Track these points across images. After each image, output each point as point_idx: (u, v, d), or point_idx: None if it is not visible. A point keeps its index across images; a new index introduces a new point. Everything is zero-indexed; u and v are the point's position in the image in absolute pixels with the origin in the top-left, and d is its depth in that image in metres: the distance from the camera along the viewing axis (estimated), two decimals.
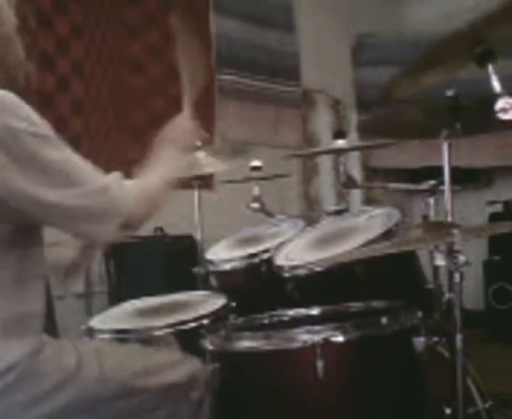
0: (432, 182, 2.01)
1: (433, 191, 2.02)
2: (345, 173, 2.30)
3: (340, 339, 1.52)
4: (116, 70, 4.04)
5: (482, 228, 2.37)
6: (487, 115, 1.51)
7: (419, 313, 1.64)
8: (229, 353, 1.63)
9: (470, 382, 1.87)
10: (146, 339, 1.89)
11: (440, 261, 1.58)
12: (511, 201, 5.13)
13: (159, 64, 4.33)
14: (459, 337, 1.60)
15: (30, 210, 1.40)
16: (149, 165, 1.62)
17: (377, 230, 1.95)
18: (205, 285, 2.43)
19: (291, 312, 1.91)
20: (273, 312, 1.93)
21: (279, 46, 5.14)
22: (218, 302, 2.10)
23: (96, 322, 2.11)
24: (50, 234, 1.53)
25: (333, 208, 2.52)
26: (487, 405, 1.89)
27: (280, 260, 2.08)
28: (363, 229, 2.08)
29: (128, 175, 1.55)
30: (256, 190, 2.69)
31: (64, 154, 1.44)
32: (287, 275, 2.02)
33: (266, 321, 1.89)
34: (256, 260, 2.27)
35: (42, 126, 1.43)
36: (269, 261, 2.16)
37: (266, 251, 2.25)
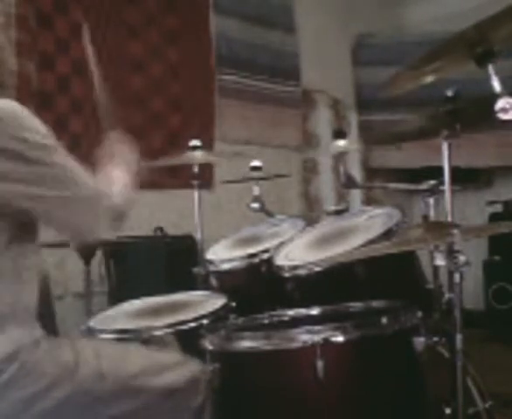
0: (432, 181, 2.01)
1: (433, 191, 2.02)
2: (345, 173, 2.30)
3: (340, 339, 1.52)
4: (116, 70, 4.04)
5: (482, 228, 2.37)
6: (488, 115, 1.51)
7: (419, 313, 1.64)
8: (229, 353, 1.63)
9: (470, 382, 1.87)
10: (146, 339, 1.89)
11: (440, 261, 1.58)
12: (511, 201, 5.13)
13: (159, 64, 4.33)
14: (459, 337, 1.60)
15: (26, 205, 1.46)
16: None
17: (377, 230, 1.95)
18: (205, 285, 2.43)
19: (291, 312, 1.91)
20: (273, 312, 1.93)
21: (279, 46, 5.14)
22: (218, 302, 2.10)
23: (96, 322, 2.11)
24: (50, 234, 1.54)
25: (333, 208, 2.52)
26: (487, 405, 1.89)
27: (280, 260, 2.08)
28: (363, 229, 2.08)
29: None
30: (256, 190, 2.69)
31: (62, 161, 1.51)
32: (287, 275, 2.02)
33: (266, 321, 1.89)
34: (256, 260, 2.27)
35: (42, 134, 1.48)
36: (269, 261, 2.16)
37: (266, 251, 2.25)
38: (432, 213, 2.03)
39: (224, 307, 2.07)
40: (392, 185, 4.39)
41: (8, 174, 1.40)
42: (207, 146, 3.00)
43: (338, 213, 2.43)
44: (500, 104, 1.46)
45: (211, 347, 1.66)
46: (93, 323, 2.10)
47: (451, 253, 1.56)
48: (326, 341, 1.50)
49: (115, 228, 1.63)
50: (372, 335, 1.56)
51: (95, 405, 1.48)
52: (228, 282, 2.37)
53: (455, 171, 1.82)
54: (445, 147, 1.82)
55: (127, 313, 2.21)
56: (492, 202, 5.13)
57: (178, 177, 3.60)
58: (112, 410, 1.50)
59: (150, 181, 1.99)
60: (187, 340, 1.86)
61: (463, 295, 1.59)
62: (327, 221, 2.38)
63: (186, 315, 2.03)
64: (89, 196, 1.54)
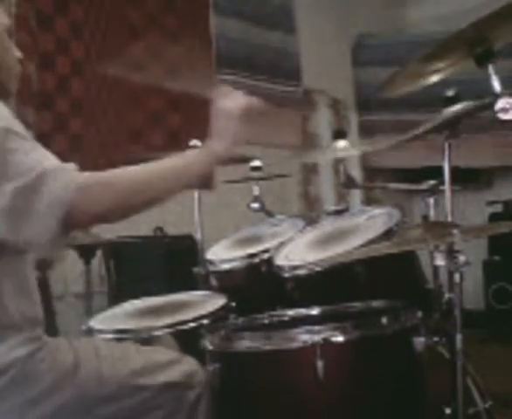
0: (432, 182, 2.01)
1: (433, 191, 2.02)
2: (345, 173, 2.30)
3: (340, 339, 1.52)
4: (116, 70, 4.04)
5: (482, 228, 2.37)
6: (488, 115, 1.51)
7: (419, 313, 1.63)
8: (229, 353, 1.63)
9: (470, 382, 1.87)
10: (145, 338, 1.89)
11: (440, 261, 1.58)
12: (511, 201, 5.13)
13: (159, 64, 4.33)
14: (459, 337, 1.60)
15: None
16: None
17: (377, 230, 1.95)
18: (205, 285, 2.43)
19: (291, 312, 1.91)
20: (273, 312, 1.93)
21: (279, 46, 5.14)
22: (218, 302, 2.10)
23: (96, 322, 2.11)
24: None
25: (333, 208, 2.52)
26: (487, 405, 1.89)
27: (280, 260, 2.08)
28: (363, 229, 2.08)
29: None
30: (256, 190, 2.69)
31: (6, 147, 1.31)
32: (287, 275, 2.02)
33: (266, 321, 1.89)
34: (256, 260, 2.27)
35: None
36: (269, 261, 2.16)
37: (266, 251, 2.25)
38: (432, 213, 2.03)
39: (224, 307, 2.07)
40: (392, 185, 4.39)
41: None
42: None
43: (338, 213, 2.43)
44: (500, 104, 1.46)
45: (211, 347, 1.66)
46: (93, 323, 2.10)
47: (451, 253, 1.56)
48: (326, 341, 1.50)
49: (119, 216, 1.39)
50: (372, 335, 1.56)
51: (94, 406, 1.48)
52: (228, 282, 2.37)
53: (455, 171, 1.82)
54: (445, 147, 1.82)
55: (127, 313, 2.21)
56: (492, 202, 5.13)
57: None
58: (110, 409, 1.50)
59: None
60: (187, 340, 1.86)
61: (463, 295, 1.59)
62: (327, 221, 2.37)
63: (186, 315, 2.03)
64: (28, 185, 1.26)
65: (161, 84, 1.71)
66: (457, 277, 1.58)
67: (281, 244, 2.20)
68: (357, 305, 1.84)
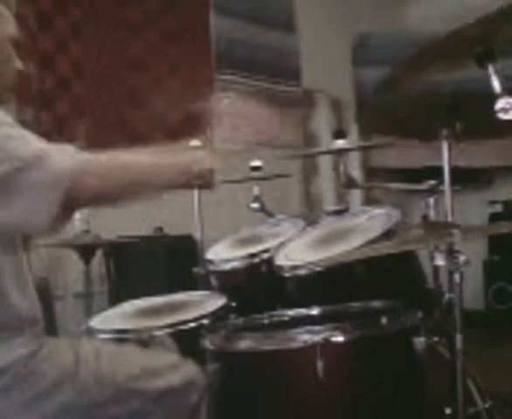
0: (432, 181, 2.01)
1: (433, 191, 2.02)
2: (345, 173, 2.30)
3: (340, 339, 1.52)
4: (116, 70, 4.04)
5: (482, 228, 2.37)
6: (488, 115, 1.51)
7: (419, 313, 1.63)
8: (229, 353, 1.63)
9: (470, 382, 1.87)
10: (143, 340, 1.89)
11: (440, 261, 1.58)
12: (511, 201, 5.13)
13: (159, 64, 4.33)
14: (459, 337, 1.60)
15: None
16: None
17: (377, 230, 1.95)
18: (205, 285, 2.43)
19: (291, 312, 1.91)
20: (273, 312, 1.93)
21: (279, 46, 5.14)
22: (218, 302, 2.10)
23: (96, 322, 2.11)
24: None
25: (333, 208, 2.52)
26: (487, 405, 1.89)
27: (280, 260, 2.08)
28: (363, 229, 2.08)
29: None
30: (256, 190, 2.69)
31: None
32: (287, 275, 2.02)
33: (266, 321, 1.89)
34: (256, 260, 2.27)
35: None
36: (269, 261, 2.16)
37: (266, 251, 2.25)
38: (432, 213, 2.03)
39: (224, 307, 2.07)
40: (392, 185, 4.38)
41: None
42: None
43: (338, 213, 2.43)
44: (500, 104, 1.46)
45: (211, 347, 1.66)
46: (93, 323, 2.10)
47: (451, 253, 1.56)
48: (326, 341, 1.50)
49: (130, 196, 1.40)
50: (372, 335, 1.56)
51: (95, 408, 1.48)
52: (228, 282, 2.37)
53: (455, 171, 1.82)
54: (445, 147, 1.82)
55: (127, 313, 2.21)
56: (492, 202, 5.13)
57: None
58: (110, 412, 1.50)
59: None
60: (187, 340, 1.86)
61: (463, 295, 1.59)
62: (327, 221, 2.37)
63: (186, 315, 2.03)
64: (28, 163, 1.26)
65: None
66: (457, 277, 1.58)
67: (281, 244, 2.20)
68: (357, 305, 1.84)
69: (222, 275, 2.39)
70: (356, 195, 5.28)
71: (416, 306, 1.66)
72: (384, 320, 1.56)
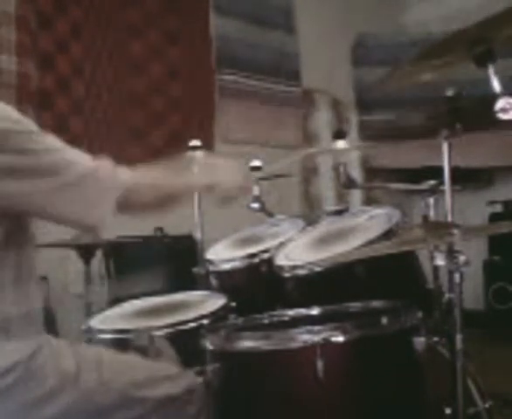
0: (432, 181, 2.01)
1: (433, 191, 2.02)
2: (345, 173, 2.30)
3: (340, 339, 1.52)
4: (116, 70, 4.04)
5: (482, 228, 2.37)
6: (488, 115, 1.51)
7: (419, 313, 1.63)
8: (229, 353, 1.63)
9: (470, 382, 1.87)
10: (142, 346, 1.88)
11: (440, 261, 1.58)
12: (511, 201, 5.13)
13: (159, 64, 4.34)
14: (459, 337, 1.60)
15: (20, 207, 1.39)
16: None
17: (377, 230, 1.95)
18: (205, 285, 2.43)
19: (291, 312, 1.91)
20: (273, 312, 1.93)
21: (279, 46, 5.14)
22: (218, 302, 2.10)
23: (96, 322, 2.11)
24: (50, 234, 1.53)
25: (333, 208, 2.52)
26: (487, 405, 1.89)
27: (280, 260, 2.08)
28: (363, 229, 2.08)
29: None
30: (256, 190, 2.69)
31: (50, 144, 1.42)
32: (287, 275, 2.02)
33: (266, 321, 1.89)
34: (256, 260, 2.27)
35: (24, 121, 1.41)
36: (269, 261, 2.16)
37: (266, 251, 2.25)
38: (432, 213, 2.03)
39: (224, 307, 2.07)
40: (392, 185, 4.38)
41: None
42: (207, 146, 3.00)
43: (338, 213, 2.43)
44: (500, 104, 1.46)
45: (211, 347, 1.66)
46: (93, 323, 2.10)
47: (451, 253, 1.56)
48: (326, 341, 1.50)
49: (157, 209, 1.57)
50: (372, 335, 1.56)
51: (96, 413, 1.48)
52: (228, 282, 2.37)
53: (455, 171, 1.82)
54: (445, 147, 1.82)
55: (127, 313, 2.21)
56: (492, 202, 5.13)
57: None
58: (111, 418, 1.50)
59: None
60: (187, 340, 1.86)
61: (463, 295, 1.59)
62: (327, 221, 2.37)
63: (186, 315, 2.03)
64: (82, 177, 1.41)
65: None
66: (457, 277, 1.58)
67: (281, 244, 2.20)
68: (357, 305, 1.84)
69: (222, 275, 2.39)
70: (356, 195, 5.28)
71: (416, 306, 1.66)
72: (384, 320, 1.56)
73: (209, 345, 1.66)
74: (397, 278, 2.01)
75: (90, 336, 2.03)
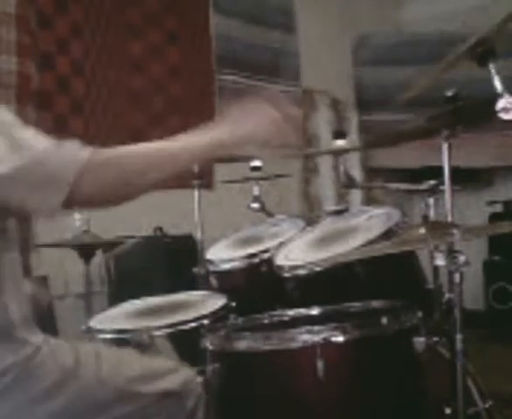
0: (432, 182, 2.01)
1: (433, 191, 2.02)
2: (345, 173, 2.30)
3: (340, 339, 1.52)
4: (116, 70, 4.04)
5: (482, 228, 2.37)
6: (488, 115, 1.51)
7: (419, 313, 1.63)
8: (229, 353, 1.63)
9: (470, 382, 1.87)
10: (142, 343, 1.88)
11: (440, 261, 1.58)
12: (511, 201, 5.13)
13: (159, 64, 4.33)
14: (459, 337, 1.60)
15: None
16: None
17: (377, 230, 1.95)
18: (205, 285, 2.43)
19: (291, 312, 1.91)
20: (273, 312, 1.93)
21: (279, 46, 5.14)
22: (218, 302, 2.10)
23: (96, 322, 2.11)
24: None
25: (333, 208, 2.52)
26: (487, 405, 1.89)
27: (280, 260, 2.08)
28: (363, 229, 2.08)
29: None
30: (256, 190, 2.69)
31: (5, 127, 1.35)
32: (287, 275, 2.02)
33: (266, 321, 1.89)
34: (256, 260, 2.27)
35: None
36: (269, 261, 2.16)
37: (266, 251, 2.25)
38: (432, 213, 2.03)
39: (224, 307, 2.07)
40: (392, 185, 4.38)
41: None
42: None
43: (338, 213, 2.43)
44: (501, 104, 1.46)
45: (211, 347, 1.66)
46: (93, 323, 2.10)
47: (451, 253, 1.56)
48: (326, 341, 1.50)
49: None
50: (372, 335, 1.56)
51: (96, 409, 1.48)
52: (228, 282, 2.37)
53: (455, 171, 1.82)
54: (445, 147, 1.82)
55: (127, 313, 2.21)
56: (492, 202, 5.13)
57: (178, 177, 3.60)
58: (110, 414, 1.50)
59: None
60: (187, 340, 1.86)
61: (463, 295, 1.59)
62: (327, 221, 2.37)
63: (186, 315, 2.03)
64: (34, 156, 1.32)
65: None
66: (457, 277, 1.58)
67: (281, 244, 2.20)
68: (357, 305, 1.84)
69: (222, 275, 2.39)
70: (356, 195, 5.28)
71: (416, 306, 1.66)
72: (384, 320, 1.56)
73: (209, 345, 1.66)
74: (397, 278, 2.01)
75: (90, 336, 2.02)
